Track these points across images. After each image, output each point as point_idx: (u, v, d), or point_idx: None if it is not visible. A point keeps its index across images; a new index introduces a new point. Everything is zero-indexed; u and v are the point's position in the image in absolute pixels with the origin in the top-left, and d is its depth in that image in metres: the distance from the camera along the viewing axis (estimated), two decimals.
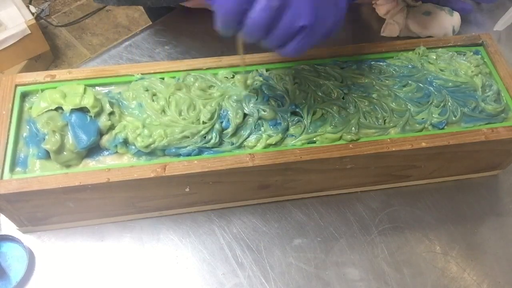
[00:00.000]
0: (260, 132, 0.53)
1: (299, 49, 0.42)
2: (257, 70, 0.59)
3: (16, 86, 0.54)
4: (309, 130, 0.54)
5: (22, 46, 1.56)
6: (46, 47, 1.68)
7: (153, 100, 0.54)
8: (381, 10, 0.80)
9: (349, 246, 0.58)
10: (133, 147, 0.52)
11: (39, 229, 0.57)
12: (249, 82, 0.57)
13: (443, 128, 0.56)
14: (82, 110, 0.52)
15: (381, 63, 0.60)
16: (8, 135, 0.51)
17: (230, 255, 0.57)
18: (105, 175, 0.49)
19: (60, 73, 0.56)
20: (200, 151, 0.52)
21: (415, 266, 0.57)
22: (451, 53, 0.62)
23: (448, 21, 0.76)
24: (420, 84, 0.58)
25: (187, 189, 0.54)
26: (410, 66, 0.60)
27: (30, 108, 0.53)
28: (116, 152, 0.52)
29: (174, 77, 0.57)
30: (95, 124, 0.51)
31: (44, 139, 0.50)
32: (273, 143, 0.53)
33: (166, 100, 0.53)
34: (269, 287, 0.55)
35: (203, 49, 0.74)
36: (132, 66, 0.58)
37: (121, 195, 0.53)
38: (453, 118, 0.56)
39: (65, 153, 0.51)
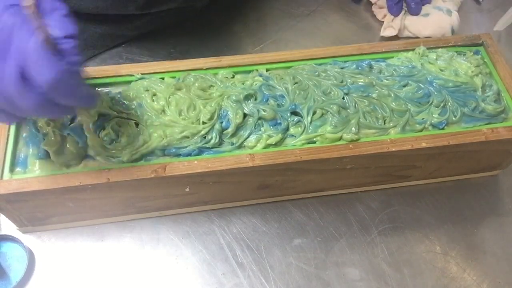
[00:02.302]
0: (260, 132, 0.53)
1: None
2: (257, 70, 0.59)
3: None
4: (309, 130, 0.54)
5: None
6: None
7: (153, 100, 0.54)
8: (379, 14, 0.80)
9: (349, 246, 0.58)
10: None
11: (39, 229, 0.57)
12: (249, 82, 0.57)
13: (443, 128, 0.56)
14: None
15: (381, 63, 0.60)
16: (8, 135, 0.51)
17: (230, 255, 0.57)
18: (105, 175, 0.49)
19: None
20: (200, 151, 0.52)
21: (415, 266, 0.57)
22: (451, 53, 0.62)
23: (447, 21, 0.76)
24: (420, 84, 0.58)
25: (187, 189, 0.54)
26: (410, 66, 0.60)
27: None
28: None
29: (174, 77, 0.57)
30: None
31: (44, 139, 0.50)
32: (273, 143, 0.53)
33: (166, 100, 0.53)
34: (269, 287, 0.55)
35: (203, 49, 0.74)
36: (132, 66, 0.58)
37: (121, 195, 0.53)
38: (453, 118, 0.56)
39: (65, 153, 0.51)
